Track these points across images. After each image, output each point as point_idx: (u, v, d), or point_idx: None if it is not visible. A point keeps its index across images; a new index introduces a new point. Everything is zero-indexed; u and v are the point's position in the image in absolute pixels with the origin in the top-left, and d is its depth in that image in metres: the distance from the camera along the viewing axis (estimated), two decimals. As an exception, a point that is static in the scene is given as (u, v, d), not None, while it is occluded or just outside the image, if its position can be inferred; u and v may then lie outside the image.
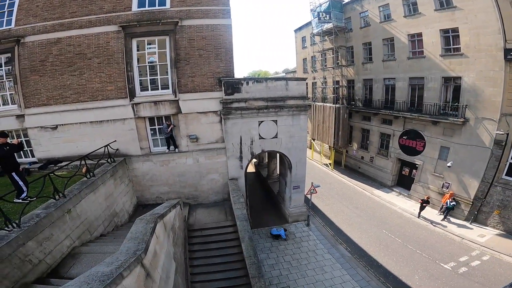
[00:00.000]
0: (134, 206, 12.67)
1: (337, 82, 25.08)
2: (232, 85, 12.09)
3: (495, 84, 12.94)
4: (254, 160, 25.62)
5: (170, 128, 12.08)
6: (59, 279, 5.92)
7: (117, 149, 11.93)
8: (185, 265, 9.90)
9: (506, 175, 13.46)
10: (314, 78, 29.76)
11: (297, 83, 13.15)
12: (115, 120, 11.89)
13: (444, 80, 15.72)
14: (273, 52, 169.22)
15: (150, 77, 11.90)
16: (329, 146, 25.52)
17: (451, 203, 14.94)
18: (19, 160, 9.30)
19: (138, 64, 11.59)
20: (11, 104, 11.84)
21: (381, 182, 21.33)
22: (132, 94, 11.64)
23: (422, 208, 15.91)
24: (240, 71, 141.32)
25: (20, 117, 11.68)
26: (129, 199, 12.14)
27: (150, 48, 11.67)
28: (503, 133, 12.53)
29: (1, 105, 11.94)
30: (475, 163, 14.38)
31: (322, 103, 25.61)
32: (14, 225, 5.70)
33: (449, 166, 15.49)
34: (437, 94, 16.10)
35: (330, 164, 25.98)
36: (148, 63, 11.72)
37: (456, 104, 14.96)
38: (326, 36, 25.31)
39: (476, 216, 14.72)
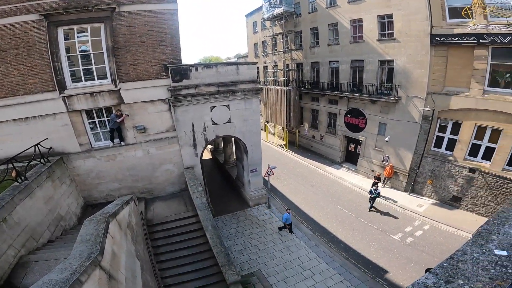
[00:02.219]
0: (81, 207, 11.66)
1: (287, 65, 25.74)
2: (180, 72, 11.59)
3: (422, 66, 14.47)
4: (210, 146, 25.25)
5: (122, 118, 11.18)
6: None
7: (51, 148, 10.67)
8: (151, 261, 9.61)
9: (434, 147, 15.25)
10: (265, 62, 30.13)
11: (248, 67, 13.16)
12: (44, 116, 10.55)
13: (380, 63, 17.12)
14: (225, 38, 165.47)
15: (84, 67, 10.69)
16: (283, 127, 26.41)
17: (376, 192, 14.82)
18: None
19: (67, 54, 10.28)
20: None
21: (332, 159, 22.89)
22: (61, 86, 10.39)
23: (374, 184, 16.68)
24: (191, 58, 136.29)
25: None
26: (74, 200, 11.14)
27: (81, 36, 10.40)
28: (429, 109, 14.20)
29: None
30: (408, 137, 16.09)
31: (273, 86, 26.16)
32: None
33: (387, 141, 17.14)
34: (374, 76, 17.52)
35: (284, 144, 26.97)
36: (80, 52, 10.47)
37: (390, 84, 16.49)
38: (276, 21, 25.65)
39: (413, 186, 16.47)
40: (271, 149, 27.32)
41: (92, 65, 10.75)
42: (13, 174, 8.03)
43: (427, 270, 3.12)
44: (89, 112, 11.36)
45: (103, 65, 10.81)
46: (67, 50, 10.29)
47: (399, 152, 16.94)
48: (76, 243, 5.59)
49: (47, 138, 10.44)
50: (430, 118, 14.51)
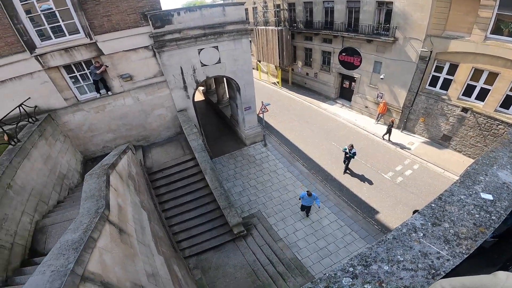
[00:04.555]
0: (81, 163, 11.90)
1: (278, 5, 23.92)
2: (161, 18, 10.75)
3: (423, 10, 13.57)
4: (201, 88, 24.93)
5: (102, 69, 10.70)
6: (43, 257, 5.67)
7: (36, 106, 10.33)
8: (157, 211, 9.78)
9: (429, 85, 15.21)
10: (254, 3, 27.59)
11: (235, 8, 12.19)
12: (20, 77, 9.92)
13: (378, 4, 16.01)
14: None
15: (51, 25, 9.79)
16: (275, 66, 25.67)
17: (352, 151, 12.76)
18: None
19: (28, 15, 9.22)
20: None
21: (326, 96, 22.99)
22: (31, 47, 9.64)
23: (389, 131, 16.01)
24: (173, 4, 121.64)
25: None
26: (72, 157, 11.28)
27: (39, -5, 9.14)
28: (427, 50, 13.81)
29: None
30: (403, 75, 15.89)
31: (264, 27, 24.51)
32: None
33: (382, 78, 16.96)
34: (371, 16, 16.53)
35: (278, 82, 26.59)
36: (42, 11, 9.41)
37: (388, 25, 15.72)
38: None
39: (406, 124, 16.85)
40: (265, 87, 26.88)
41: (60, 22, 9.86)
42: (5, 138, 7.93)
43: (414, 212, 3.29)
44: (67, 67, 10.76)
45: (72, 20, 9.88)
46: (28, 12, 9.23)
47: (393, 89, 16.92)
48: (82, 200, 5.52)
49: (29, 98, 9.99)
50: (427, 59, 14.17)
